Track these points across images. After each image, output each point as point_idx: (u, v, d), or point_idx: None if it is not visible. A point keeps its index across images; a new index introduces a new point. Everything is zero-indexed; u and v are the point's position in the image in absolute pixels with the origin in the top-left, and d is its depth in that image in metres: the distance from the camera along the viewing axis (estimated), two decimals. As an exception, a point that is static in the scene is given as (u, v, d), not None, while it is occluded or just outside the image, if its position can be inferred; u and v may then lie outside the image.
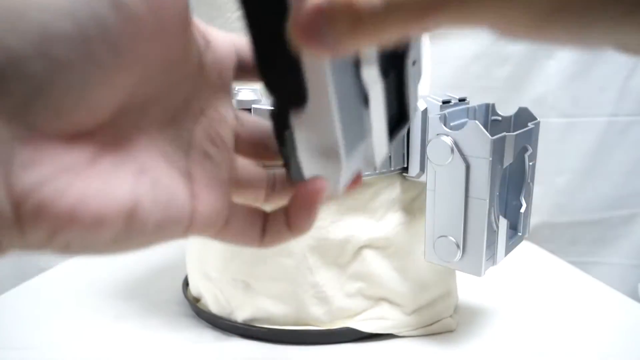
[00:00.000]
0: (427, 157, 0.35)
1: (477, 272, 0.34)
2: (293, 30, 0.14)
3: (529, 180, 0.38)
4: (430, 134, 0.35)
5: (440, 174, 0.34)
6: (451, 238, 0.34)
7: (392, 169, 0.39)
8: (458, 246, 0.34)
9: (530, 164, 0.37)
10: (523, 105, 0.39)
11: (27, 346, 0.42)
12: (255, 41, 0.16)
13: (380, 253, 0.41)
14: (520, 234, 0.38)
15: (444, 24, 0.13)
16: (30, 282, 0.59)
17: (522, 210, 0.37)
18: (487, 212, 0.33)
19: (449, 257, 0.35)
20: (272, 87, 0.18)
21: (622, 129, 0.82)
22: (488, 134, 0.31)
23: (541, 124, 0.39)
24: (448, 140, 0.33)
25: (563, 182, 0.84)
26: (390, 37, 0.14)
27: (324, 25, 0.14)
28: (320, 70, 0.16)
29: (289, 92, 0.17)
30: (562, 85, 0.81)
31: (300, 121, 0.18)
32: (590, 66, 0.81)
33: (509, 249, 0.36)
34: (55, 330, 0.46)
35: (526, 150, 0.36)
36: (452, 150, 0.33)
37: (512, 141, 0.33)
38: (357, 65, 0.18)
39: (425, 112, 0.38)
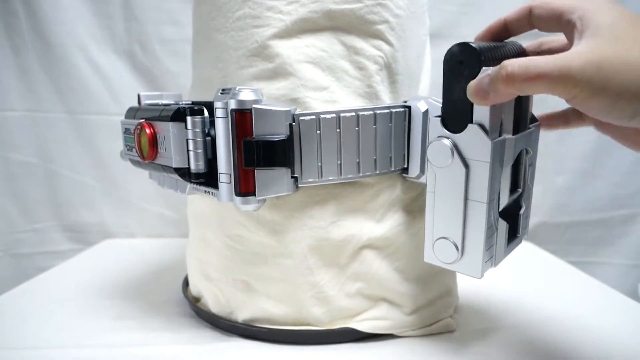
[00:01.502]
0: (427, 159, 0.35)
1: (476, 274, 0.34)
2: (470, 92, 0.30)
3: (528, 183, 0.38)
4: (431, 136, 0.34)
5: (440, 176, 0.34)
6: (450, 240, 0.34)
7: (393, 169, 0.39)
8: (457, 248, 0.34)
9: (530, 166, 0.37)
10: None
11: (27, 346, 0.43)
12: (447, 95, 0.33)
13: (380, 253, 0.41)
14: (520, 235, 0.38)
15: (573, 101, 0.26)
16: (30, 282, 0.59)
17: (522, 212, 0.37)
18: (486, 214, 0.33)
19: (448, 258, 0.35)
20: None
21: (622, 129, 0.82)
22: (488, 138, 0.31)
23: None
24: (448, 143, 0.33)
25: (563, 182, 0.84)
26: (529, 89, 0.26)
27: (487, 85, 0.28)
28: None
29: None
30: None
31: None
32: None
33: (508, 250, 0.36)
34: (55, 330, 0.46)
35: (526, 152, 0.36)
36: (452, 153, 0.33)
37: (512, 144, 0.33)
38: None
39: (426, 113, 0.38)
